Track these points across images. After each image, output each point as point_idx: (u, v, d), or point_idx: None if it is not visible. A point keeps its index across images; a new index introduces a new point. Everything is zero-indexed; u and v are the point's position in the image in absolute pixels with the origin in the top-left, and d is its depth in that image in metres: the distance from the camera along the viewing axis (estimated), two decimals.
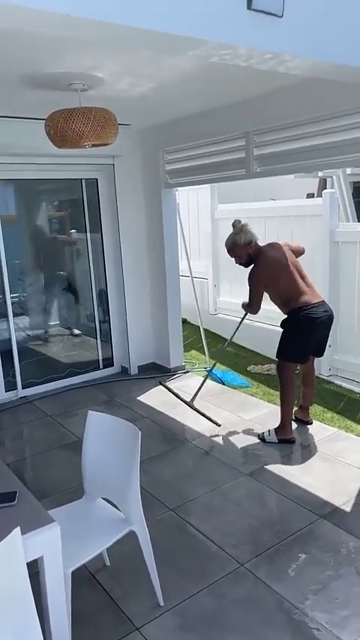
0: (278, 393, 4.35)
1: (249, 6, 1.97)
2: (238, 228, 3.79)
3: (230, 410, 4.46)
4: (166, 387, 3.76)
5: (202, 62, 2.86)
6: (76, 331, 5.71)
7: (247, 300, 3.93)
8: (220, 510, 3.09)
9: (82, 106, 3.13)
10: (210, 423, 4.23)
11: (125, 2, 1.72)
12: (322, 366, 5.17)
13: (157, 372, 5.48)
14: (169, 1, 1.80)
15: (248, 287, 3.82)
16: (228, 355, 5.96)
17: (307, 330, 3.69)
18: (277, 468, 3.49)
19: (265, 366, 5.48)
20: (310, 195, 9.23)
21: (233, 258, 3.90)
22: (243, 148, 4.12)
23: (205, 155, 4.57)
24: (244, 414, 4.38)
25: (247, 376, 5.29)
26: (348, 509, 3.03)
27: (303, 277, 3.79)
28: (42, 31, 1.90)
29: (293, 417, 4.04)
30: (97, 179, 5.21)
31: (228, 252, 3.89)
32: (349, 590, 2.42)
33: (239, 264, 3.92)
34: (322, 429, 4.04)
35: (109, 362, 5.60)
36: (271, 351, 5.56)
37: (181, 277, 5.50)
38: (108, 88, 3.36)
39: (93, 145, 3.25)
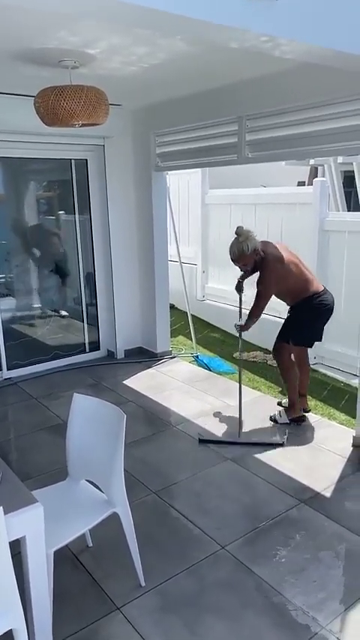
0: (253, 377, 4.41)
1: None
2: (245, 235, 3.64)
3: (215, 395, 4.49)
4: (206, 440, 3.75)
5: (195, 43, 2.82)
6: (64, 312, 5.67)
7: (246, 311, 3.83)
8: (202, 494, 3.12)
9: (74, 84, 3.07)
10: (195, 408, 4.26)
11: None
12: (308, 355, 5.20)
13: (144, 357, 5.48)
14: None
15: (258, 293, 3.71)
16: (215, 342, 5.98)
17: (320, 316, 3.80)
18: (260, 454, 3.53)
19: (251, 353, 5.50)
20: (301, 183, 9.22)
21: (237, 267, 3.82)
22: (235, 133, 4.08)
23: (197, 139, 4.52)
24: (228, 399, 4.41)
25: (232, 363, 5.32)
26: (328, 494, 3.08)
27: (306, 267, 3.84)
28: (32, 6, 1.86)
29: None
30: (86, 160, 5.13)
31: (233, 261, 3.76)
32: (326, 573, 2.47)
33: (244, 271, 3.87)
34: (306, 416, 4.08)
35: (95, 345, 5.59)
36: (258, 339, 5.61)
37: (169, 262, 5.48)
38: (99, 66, 3.29)
39: (83, 125, 3.19)
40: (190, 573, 2.48)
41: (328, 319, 3.87)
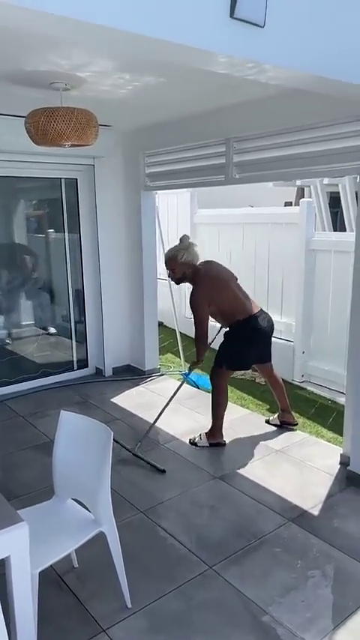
0: (242, 395, 4.44)
1: (231, 14, 2.00)
2: (185, 244, 3.80)
3: (204, 413, 4.47)
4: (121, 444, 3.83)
5: (183, 67, 2.89)
6: (52, 330, 5.65)
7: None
8: (190, 513, 3.10)
9: (64, 105, 3.12)
10: (183, 427, 4.25)
11: (109, 4, 1.73)
12: (295, 372, 5.24)
13: (132, 375, 5.47)
14: (153, 6, 1.82)
15: (192, 313, 3.80)
16: (207, 360, 5.98)
17: (251, 339, 3.82)
18: (248, 472, 3.52)
19: (240, 371, 5.51)
20: (288, 204, 9.37)
21: (168, 271, 3.93)
22: (223, 154, 4.16)
23: (185, 160, 4.60)
24: None
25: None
26: (316, 512, 3.08)
27: (240, 290, 3.89)
28: (26, 29, 1.90)
29: (278, 423, 4.16)
30: (76, 179, 5.18)
31: (165, 262, 3.90)
32: (314, 593, 2.46)
33: (171, 278, 3.97)
34: (292, 434, 4.09)
35: (83, 363, 5.57)
36: None
37: (158, 280, 5.52)
38: (90, 89, 3.36)
39: (73, 145, 3.24)
40: (177, 594, 2.45)
41: (263, 341, 3.88)
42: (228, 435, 4.04)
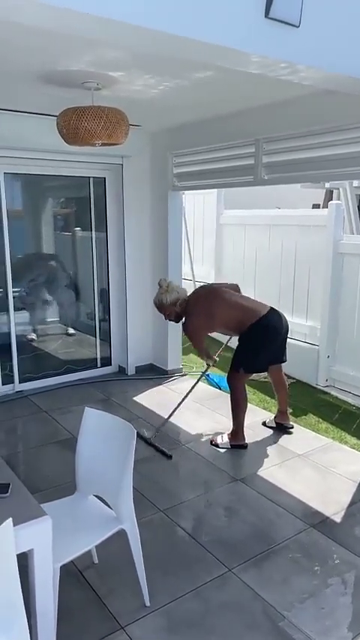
0: (264, 397, 4.43)
1: (266, 14, 2.00)
2: (164, 288, 3.91)
3: (225, 415, 4.45)
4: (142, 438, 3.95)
5: (216, 68, 2.88)
6: (71, 330, 5.69)
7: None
8: (210, 514, 3.09)
9: (95, 104, 3.15)
10: (205, 427, 4.24)
11: (144, 4, 1.74)
12: (319, 377, 5.18)
13: (155, 374, 5.48)
14: (189, 7, 1.82)
15: (191, 342, 4.02)
16: (227, 361, 5.96)
17: (266, 339, 3.81)
18: (270, 475, 3.50)
19: (263, 373, 5.47)
20: (316, 206, 9.27)
21: (163, 316, 4.08)
22: (252, 155, 4.14)
23: (213, 160, 4.59)
24: None
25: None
26: (338, 519, 3.03)
27: (243, 298, 3.94)
28: (59, 29, 1.92)
29: (274, 424, 4.18)
30: (105, 178, 5.22)
31: (157, 309, 4.06)
32: (335, 600, 2.42)
33: (170, 320, 4.09)
34: (316, 439, 4.04)
35: (106, 361, 5.60)
36: None
37: (183, 281, 5.52)
38: (121, 89, 3.38)
39: (103, 144, 3.27)
40: (196, 594, 2.45)
41: (276, 339, 3.86)
42: (249, 437, 4.01)
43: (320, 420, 4.41)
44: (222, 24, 1.92)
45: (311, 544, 2.82)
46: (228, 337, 4.39)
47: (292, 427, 4.17)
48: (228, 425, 4.28)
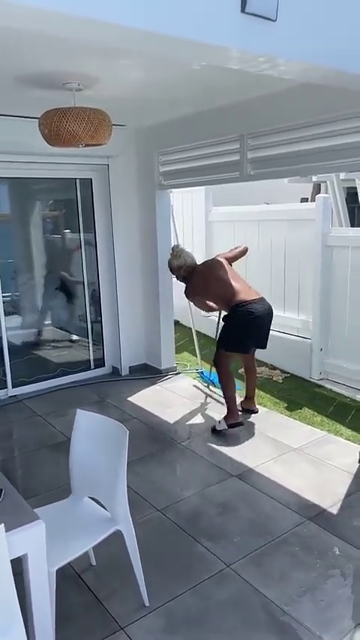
0: (259, 392, 4.50)
1: (242, 9, 1.98)
2: (174, 253, 4.43)
3: (220, 412, 4.46)
4: None
5: (196, 63, 2.88)
6: (74, 337, 5.68)
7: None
8: (207, 512, 3.09)
9: (77, 105, 3.13)
10: (200, 425, 4.25)
11: (121, 2, 1.72)
12: (312, 370, 5.19)
13: (149, 373, 5.48)
14: (165, 3, 1.81)
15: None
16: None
17: (244, 323, 4.03)
18: (266, 470, 3.50)
19: (257, 368, 5.48)
20: (304, 200, 9.28)
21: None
22: (237, 151, 4.13)
23: (199, 157, 4.58)
24: None
25: (238, 379, 5.29)
26: (335, 511, 3.04)
27: (237, 280, 4.20)
28: (38, 30, 1.91)
29: (240, 408, 4.33)
30: (91, 179, 5.20)
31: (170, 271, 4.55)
32: (334, 592, 2.43)
33: (178, 280, 4.53)
34: (311, 432, 4.05)
35: (100, 362, 5.59)
36: (263, 354, 5.59)
37: (173, 279, 5.50)
38: (103, 88, 3.36)
39: (87, 145, 3.25)
40: (194, 592, 2.45)
41: (258, 326, 4.06)
42: (246, 433, 4.02)
43: (315, 413, 4.42)
44: (199, 20, 1.90)
45: (309, 537, 2.82)
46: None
47: (257, 411, 4.43)
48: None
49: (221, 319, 4.38)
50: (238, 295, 4.05)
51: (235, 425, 4.03)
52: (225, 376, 4.11)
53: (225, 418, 4.07)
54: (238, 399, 4.32)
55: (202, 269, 4.38)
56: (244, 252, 4.55)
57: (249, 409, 4.40)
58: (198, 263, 4.43)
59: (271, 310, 4.14)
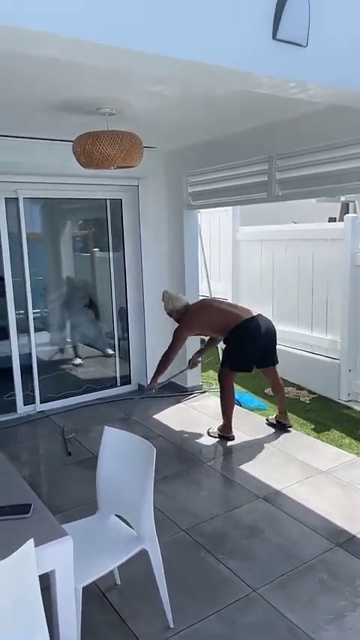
0: (293, 416, 4.41)
1: (274, 36, 2.03)
2: (164, 298, 4.58)
3: (246, 432, 4.43)
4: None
5: (228, 88, 2.94)
6: (110, 351, 5.74)
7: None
8: (233, 534, 3.05)
9: (110, 129, 3.22)
10: (226, 445, 4.23)
11: (153, 31, 1.79)
12: (340, 391, 5.12)
13: (174, 392, 5.48)
14: (198, 31, 1.87)
15: (172, 339, 4.42)
16: (246, 377, 5.93)
17: (242, 340, 4.23)
18: (293, 493, 3.44)
19: (285, 389, 5.42)
20: (332, 219, 9.23)
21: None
22: (266, 172, 4.17)
23: (227, 178, 4.63)
24: (260, 436, 4.34)
25: (264, 398, 5.25)
26: None
27: (231, 306, 4.50)
28: (72, 58, 1.99)
29: (274, 422, 4.52)
30: (121, 199, 5.31)
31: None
32: None
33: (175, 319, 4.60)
34: (339, 455, 3.98)
35: (126, 379, 5.63)
36: (289, 374, 5.55)
37: (200, 297, 5.53)
38: (135, 113, 3.45)
39: (118, 167, 3.34)
40: (220, 616, 2.41)
41: (262, 342, 4.26)
42: (273, 454, 3.98)
43: (343, 435, 4.34)
44: (232, 47, 1.96)
45: (338, 563, 2.76)
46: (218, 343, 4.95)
47: (291, 426, 4.49)
48: (249, 442, 4.26)
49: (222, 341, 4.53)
50: (233, 317, 4.26)
51: (226, 438, 4.29)
52: (225, 394, 4.34)
53: (220, 428, 4.36)
54: (273, 415, 4.59)
55: (196, 307, 4.59)
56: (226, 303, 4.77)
57: (282, 422, 4.49)
58: (191, 303, 4.62)
59: (271, 324, 4.37)
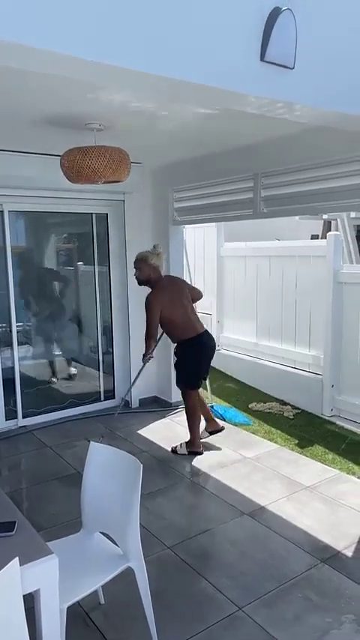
0: (270, 428, 4.44)
1: (262, 58, 2.08)
2: (157, 251, 4.22)
3: (231, 447, 4.42)
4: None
5: (215, 107, 2.99)
6: (73, 370, 5.67)
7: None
8: (218, 551, 3.02)
9: (98, 144, 3.25)
10: (211, 460, 4.21)
11: (142, 49, 1.81)
12: (323, 406, 5.15)
13: (159, 406, 5.45)
14: (187, 51, 1.91)
15: (145, 314, 4.12)
16: (230, 392, 5.94)
17: (199, 356, 4.27)
18: (277, 509, 3.44)
19: (267, 404, 5.45)
20: (315, 237, 9.39)
21: (135, 270, 4.29)
22: (251, 189, 4.23)
23: (213, 195, 4.69)
24: (245, 451, 4.34)
25: (248, 414, 5.26)
26: (349, 554, 2.97)
27: (192, 311, 4.31)
28: (64, 74, 2.01)
29: (208, 433, 4.54)
30: (107, 214, 5.33)
31: (134, 262, 4.28)
32: (348, 638, 2.35)
33: (136, 277, 4.31)
34: (323, 471, 3.99)
35: (110, 394, 5.58)
36: (274, 389, 5.57)
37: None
38: (123, 128, 3.49)
39: (105, 182, 3.35)
40: (206, 635, 2.38)
41: (208, 356, 4.29)
42: (257, 469, 3.97)
43: (327, 450, 4.37)
44: (221, 68, 2.00)
45: (323, 580, 2.75)
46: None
47: (223, 428, 4.56)
48: (234, 458, 4.25)
49: (174, 354, 4.43)
50: (193, 326, 4.19)
51: (195, 453, 4.28)
52: (190, 412, 4.32)
53: (187, 444, 4.33)
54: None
55: (170, 283, 4.31)
56: (199, 296, 4.56)
57: (215, 430, 4.53)
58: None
59: (214, 340, 4.38)
